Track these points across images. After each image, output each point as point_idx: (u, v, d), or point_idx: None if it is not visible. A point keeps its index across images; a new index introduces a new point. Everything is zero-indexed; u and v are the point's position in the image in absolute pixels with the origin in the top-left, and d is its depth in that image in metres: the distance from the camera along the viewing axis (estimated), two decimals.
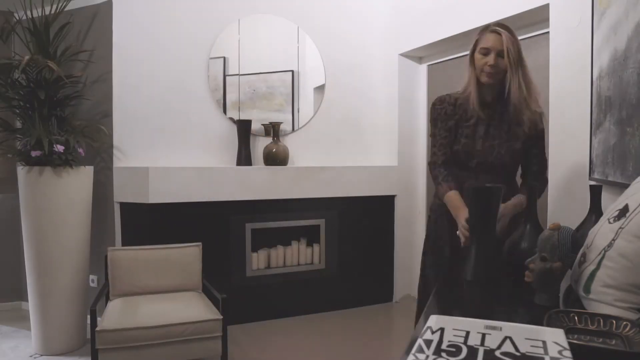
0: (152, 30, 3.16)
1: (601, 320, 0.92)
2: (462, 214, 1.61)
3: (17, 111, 2.85)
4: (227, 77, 3.39)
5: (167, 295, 2.61)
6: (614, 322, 0.91)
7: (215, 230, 3.16)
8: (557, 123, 2.44)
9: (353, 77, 3.80)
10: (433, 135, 1.85)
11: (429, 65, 3.70)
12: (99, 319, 2.24)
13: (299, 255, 3.47)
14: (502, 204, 1.49)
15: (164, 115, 3.21)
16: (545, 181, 1.86)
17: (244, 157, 3.29)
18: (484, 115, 1.73)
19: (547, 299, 1.15)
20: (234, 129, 3.36)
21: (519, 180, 1.92)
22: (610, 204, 1.20)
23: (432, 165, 1.86)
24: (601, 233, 1.10)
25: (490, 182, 1.70)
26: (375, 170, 3.64)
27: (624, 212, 1.05)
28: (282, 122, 3.49)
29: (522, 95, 1.65)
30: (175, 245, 2.74)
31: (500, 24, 1.70)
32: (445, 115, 1.80)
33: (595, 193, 1.44)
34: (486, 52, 1.68)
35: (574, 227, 2.41)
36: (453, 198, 1.71)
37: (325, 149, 3.68)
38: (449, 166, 1.81)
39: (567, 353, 0.67)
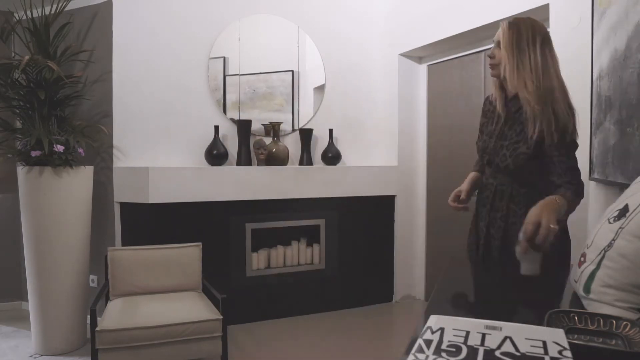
0: (152, 30, 3.16)
1: (601, 320, 0.92)
2: (461, 186, 1.79)
3: (17, 111, 2.85)
4: (227, 77, 3.39)
5: (167, 295, 2.61)
6: (614, 322, 0.91)
7: (215, 230, 3.16)
8: None
9: (353, 77, 3.80)
10: None
11: (429, 65, 3.71)
12: (99, 319, 2.24)
13: (299, 255, 3.47)
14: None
15: (164, 115, 3.21)
16: (575, 193, 1.48)
17: (244, 157, 3.29)
18: (503, 113, 1.64)
19: (529, 269, 1.19)
20: (234, 129, 3.36)
21: None
22: (611, 204, 1.20)
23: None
24: (601, 233, 1.10)
25: (507, 183, 1.64)
26: (375, 170, 3.64)
27: (624, 212, 1.05)
28: (282, 122, 3.49)
29: (522, 88, 1.50)
30: (175, 245, 2.74)
31: (518, 17, 1.61)
32: (482, 113, 1.80)
33: None
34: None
35: (574, 227, 2.41)
36: (468, 176, 1.86)
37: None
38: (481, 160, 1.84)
39: (567, 353, 0.67)
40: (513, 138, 1.59)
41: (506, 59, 1.53)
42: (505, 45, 1.53)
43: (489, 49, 3.13)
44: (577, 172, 1.51)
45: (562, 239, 1.56)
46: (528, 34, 1.53)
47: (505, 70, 1.54)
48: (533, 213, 1.31)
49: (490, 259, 1.70)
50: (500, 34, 1.57)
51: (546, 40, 1.56)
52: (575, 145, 1.52)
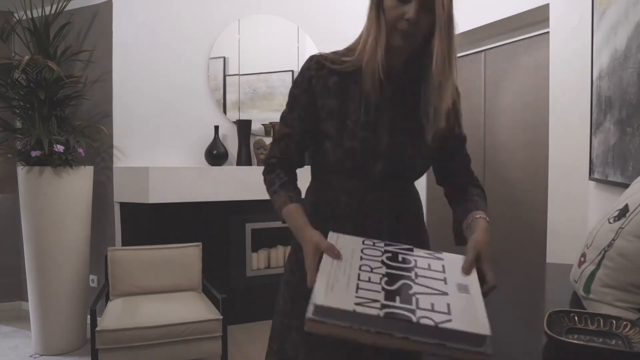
0: (152, 30, 3.16)
1: (601, 320, 0.92)
2: (308, 242, 0.97)
3: (17, 111, 2.85)
4: (227, 77, 3.39)
5: (167, 295, 2.61)
6: (614, 322, 0.91)
7: (215, 230, 3.16)
8: (557, 123, 2.45)
9: None
10: (282, 117, 1.18)
11: None
12: (99, 319, 2.24)
13: None
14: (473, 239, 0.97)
15: (164, 115, 3.20)
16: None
17: (244, 157, 3.29)
18: (391, 95, 1.11)
19: None
20: (234, 129, 3.36)
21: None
22: (611, 204, 1.20)
23: (266, 166, 1.21)
24: (601, 233, 1.10)
25: (399, 194, 1.16)
26: None
27: (624, 212, 1.05)
28: None
29: (445, 70, 1.03)
30: (175, 245, 2.74)
31: None
32: (312, 88, 1.12)
33: None
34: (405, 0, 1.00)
35: (574, 227, 2.41)
36: (294, 213, 1.11)
37: None
38: (291, 168, 1.24)
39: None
40: (415, 130, 1.11)
41: (446, 37, 1.01)
42: (446, 13, 1.00)
43: (489, 49, 3.15)
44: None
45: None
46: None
47: (438, 51, 1.01)
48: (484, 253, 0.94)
49: None
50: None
51: None
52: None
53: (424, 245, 1.18)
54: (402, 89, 1.12)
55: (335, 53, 1.19)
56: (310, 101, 1.12)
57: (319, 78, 1.13)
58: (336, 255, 0.89)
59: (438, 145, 1.12)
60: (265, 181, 1.21)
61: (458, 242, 1.10)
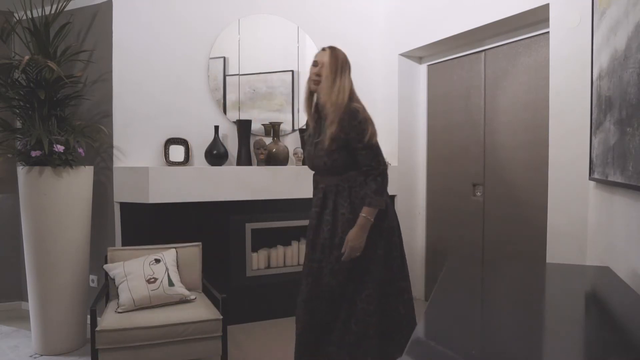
0: (152, 30, 3.16)
1: None
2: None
3: (17, 111, 2.85)
4: (227, 77, 3.39)
5: None
6: None
7: (215, 230, 3.16)
8: (557, 123, 2.45)
9: (353, 77, 3.78)
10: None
11: (429, 65, 3.70)
12: (99, 319, 2.24)
13: (299, 255, 3.47)
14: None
15: (164, 115, 3.20)
16: (379, 176, 1.95)
17: (243, 157, 3.29)
18: (313, 123, 2.08)
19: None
20: (234, 129, 3.36)
21: None
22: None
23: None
24: None
25: (331, 183, 2.02)
26: None
27: None
28: (282, 122, 3.49)
29: (333, 98, 1.95)
30: (175, 245, 2.74)
31: (332, 46, 2.11)
32: (302, 141, 2.26)
33: None
34: (315, 64, 2.05)
35: (574, 227, 2.41)
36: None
37: None
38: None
39: None
40: (323, 140, 1.97)
41: (326, 80, 1.99)
42: (329, 68, 2.01)
43: (489, 49, 3.15)
44: (378, 164, 1.94)
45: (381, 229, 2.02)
46: (341, 56, 2.06)
47: (322, 88, 2.00)
48: (350, 237, 1.91)
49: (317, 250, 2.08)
50: (324, 58, 2.04)
51: (349, 69, 2.09)
52: (375, 145, 1.97)
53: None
54: (319, 119, 2.08)
55: None
56: None
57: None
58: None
59: (334, 147, 1.93)
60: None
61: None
